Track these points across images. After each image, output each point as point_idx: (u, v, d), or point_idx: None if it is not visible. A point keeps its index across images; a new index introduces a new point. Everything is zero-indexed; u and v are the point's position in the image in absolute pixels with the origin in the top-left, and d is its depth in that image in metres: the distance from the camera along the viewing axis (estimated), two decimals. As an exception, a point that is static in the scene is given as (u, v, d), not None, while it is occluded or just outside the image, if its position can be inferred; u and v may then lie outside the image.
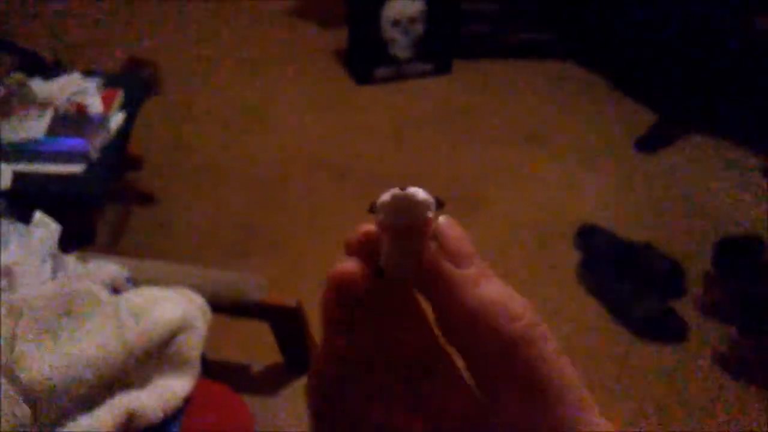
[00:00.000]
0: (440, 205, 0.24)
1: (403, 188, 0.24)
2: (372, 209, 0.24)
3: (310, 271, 1.81)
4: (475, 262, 0.24)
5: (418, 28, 2.56)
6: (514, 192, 2.11)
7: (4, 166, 1.47)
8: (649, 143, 2.29)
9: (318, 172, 2.20)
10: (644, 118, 2.41)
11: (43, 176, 1.48)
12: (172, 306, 0.81)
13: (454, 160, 2.26)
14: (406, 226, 0.24)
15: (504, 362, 0.23)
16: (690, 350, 1.62)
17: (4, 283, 0.76)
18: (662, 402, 1.51)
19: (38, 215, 0.85)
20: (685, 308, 1.71)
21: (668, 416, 1.48)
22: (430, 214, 0.24)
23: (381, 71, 2.61)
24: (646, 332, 1.64)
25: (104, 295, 0.77)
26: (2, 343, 0.68)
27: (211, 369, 0.98)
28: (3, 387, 0.66)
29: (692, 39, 2.30)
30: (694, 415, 1.49)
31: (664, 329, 1.64)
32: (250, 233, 1.96)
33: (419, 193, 0.24)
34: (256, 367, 1.07)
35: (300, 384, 1.04)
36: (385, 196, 0.24)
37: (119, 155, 1.65)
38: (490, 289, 0.23)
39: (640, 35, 2.50)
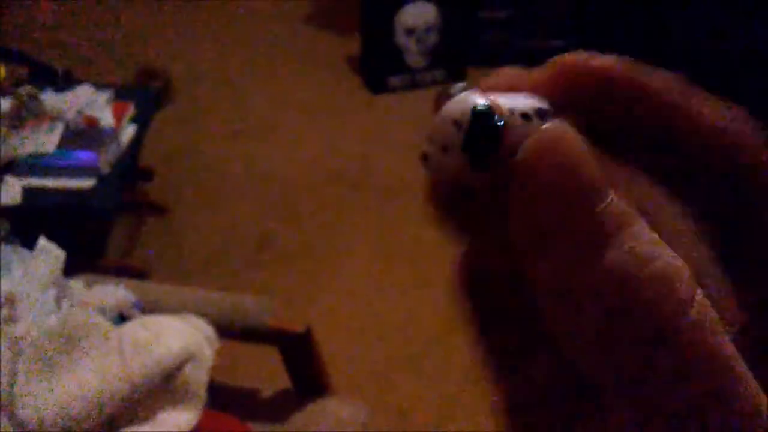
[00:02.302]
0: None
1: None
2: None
3: (324, 283, 1.79)
4: None
5: (433, 36, 2.53)
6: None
7: (13, 180, 1.46)
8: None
9: (331, 182, 2.17)
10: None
11: (54, 191, 1.47)
12: (178, 337, 0.79)
13: (469, 171, 2.22)
14: None
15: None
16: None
17: (5, 312, 0.75)
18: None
19: (42, 242, 0.83)
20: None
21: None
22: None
23: (395, 80, 2.58)
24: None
25: (108, 327, 0.75)
26: (2, 379, 0.66)
27: (218, 395, 0.95)
28: (2, 425, 0.64)
29: (711, 48, 2.25)
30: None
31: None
32: (262, 245, 1.93)
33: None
34: (265, 392, 1.05)
35: (311, 409, 1.01)
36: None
37: (130, 168, 1.63)
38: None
39: (658, 43, 2.45)
